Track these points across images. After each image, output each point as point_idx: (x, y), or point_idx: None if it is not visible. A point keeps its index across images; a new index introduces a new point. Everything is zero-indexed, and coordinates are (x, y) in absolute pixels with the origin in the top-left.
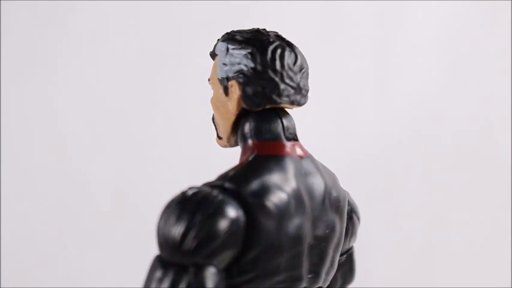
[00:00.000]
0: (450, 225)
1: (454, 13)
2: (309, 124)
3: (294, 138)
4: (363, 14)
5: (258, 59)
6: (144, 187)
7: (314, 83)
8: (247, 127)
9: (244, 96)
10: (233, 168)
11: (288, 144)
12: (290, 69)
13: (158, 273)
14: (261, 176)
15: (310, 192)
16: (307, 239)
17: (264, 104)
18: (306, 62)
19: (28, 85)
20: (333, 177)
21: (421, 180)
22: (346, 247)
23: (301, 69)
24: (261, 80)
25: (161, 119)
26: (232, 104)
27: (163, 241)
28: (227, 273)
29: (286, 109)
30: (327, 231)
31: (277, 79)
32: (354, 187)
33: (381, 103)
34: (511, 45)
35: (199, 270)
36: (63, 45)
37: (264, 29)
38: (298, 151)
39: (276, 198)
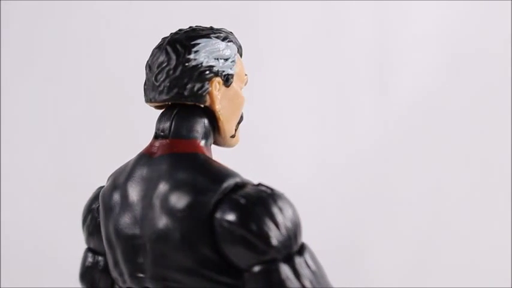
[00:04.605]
0: (450, 224)
1: (453, 11)
2: (309, 124)
3: (165, 136)
4: (362, 13)
5: None
6: None
7: (313, 83)
8: None
9: None
10: None
11: (153, 142)
12: (153, 68)
13: None
14: (115, 173)
15: (139, 191)
16: (127, 236)
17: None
18: (173, 57)
19: (27, 84)
20: (184, 179)
21: (421, 180)
22: (242, 265)
23: (160, 66)
24: None
25: None
26: None
27: None
28: None
29: (179, 107)
30: (149, 232)
31: (145, 79)
32: (353, 186)
33: (381, 101)
34: (511, 44)
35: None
36: (63, 44)
37: (182, 28)
38: (158, 149)
39: (107, 194)
